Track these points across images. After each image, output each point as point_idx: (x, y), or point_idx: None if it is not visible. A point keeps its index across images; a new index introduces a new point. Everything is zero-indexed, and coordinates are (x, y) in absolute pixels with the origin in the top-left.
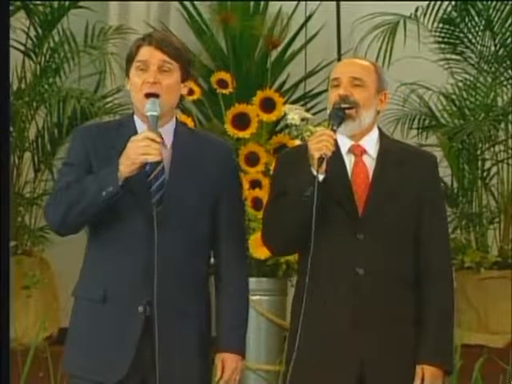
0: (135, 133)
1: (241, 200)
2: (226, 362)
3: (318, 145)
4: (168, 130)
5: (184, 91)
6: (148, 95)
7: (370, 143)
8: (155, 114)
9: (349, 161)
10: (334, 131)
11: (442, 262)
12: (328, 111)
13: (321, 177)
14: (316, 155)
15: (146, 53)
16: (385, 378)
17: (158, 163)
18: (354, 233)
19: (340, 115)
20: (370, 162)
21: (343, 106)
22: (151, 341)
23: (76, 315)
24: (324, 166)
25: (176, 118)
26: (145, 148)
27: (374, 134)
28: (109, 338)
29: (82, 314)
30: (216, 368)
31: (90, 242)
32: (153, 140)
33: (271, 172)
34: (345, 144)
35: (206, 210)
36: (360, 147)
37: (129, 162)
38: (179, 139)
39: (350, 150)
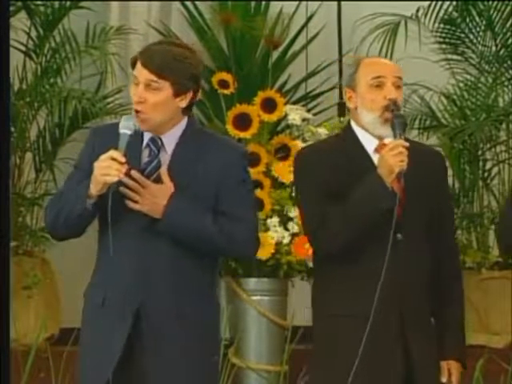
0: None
1: (249, 202)
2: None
3: (397, 159)
4: (170, 137)
5: (183, 104)
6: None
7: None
8: (127, 132)
9: (377, 160)
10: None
11: (457, 259)
12: (365, 114)
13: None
14: (397, 170)
15: (138, 68)
16: (430, 373)
17: (156, 169)
18: (394, 233)
19: (403, 122)
20: None
21: (396, 112)
22: (141, 344)
23: (82, 317)
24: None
25: (188, 121)
26: (105, 168)
27: None
28: (103, 341)
29: (86, 317)
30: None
31: (97, 246)
32: (115, 160)
33: (273, 172)
34: (371, 143)
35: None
36: (385, 145)
37: (95, 181)
38: (182, 144)
39: (377, 150)
